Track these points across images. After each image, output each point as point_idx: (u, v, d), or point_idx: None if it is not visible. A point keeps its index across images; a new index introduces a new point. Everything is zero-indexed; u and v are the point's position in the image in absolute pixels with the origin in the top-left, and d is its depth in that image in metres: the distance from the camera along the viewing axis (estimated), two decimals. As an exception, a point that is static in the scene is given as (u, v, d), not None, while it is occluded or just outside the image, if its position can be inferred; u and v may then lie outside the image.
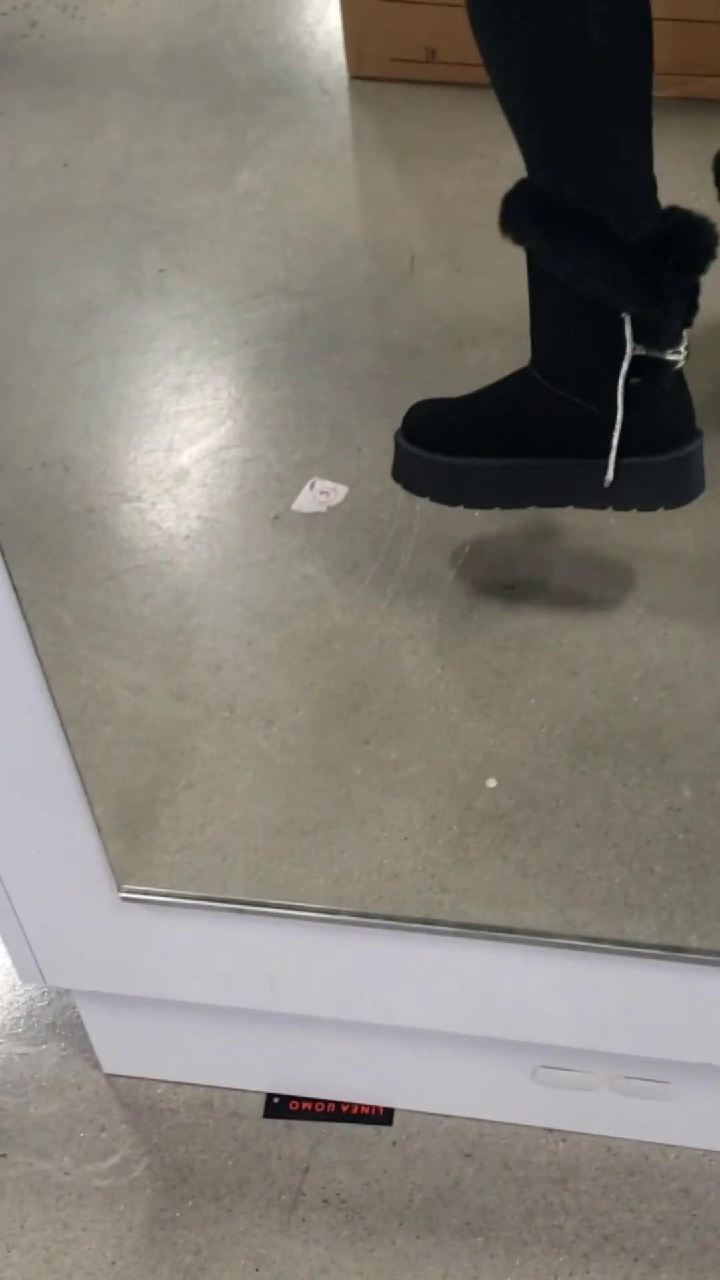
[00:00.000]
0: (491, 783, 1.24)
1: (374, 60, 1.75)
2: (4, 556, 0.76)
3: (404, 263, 1.61)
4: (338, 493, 1.44)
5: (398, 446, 1.34)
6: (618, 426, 1.23)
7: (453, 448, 1.30)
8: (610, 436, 1.23)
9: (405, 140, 1.72)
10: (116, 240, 1.64)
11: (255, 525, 1.43)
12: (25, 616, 0.79)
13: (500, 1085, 1.06)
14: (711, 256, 1.20)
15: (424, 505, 1.43)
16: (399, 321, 1.57)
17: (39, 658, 0.79)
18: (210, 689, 1.34)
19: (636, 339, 1.19)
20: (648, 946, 0.99)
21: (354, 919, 0.93)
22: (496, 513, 1.40)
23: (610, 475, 1.24)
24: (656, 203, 1.22)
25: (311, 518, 1.43)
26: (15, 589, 0.77)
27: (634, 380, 1.21)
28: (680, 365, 1.23)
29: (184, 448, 1.50)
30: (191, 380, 1.54)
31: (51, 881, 0.92)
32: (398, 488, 1.44)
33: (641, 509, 1.29)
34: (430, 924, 0.96)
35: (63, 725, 0.82)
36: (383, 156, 1.72)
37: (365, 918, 0.95)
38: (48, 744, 0.82)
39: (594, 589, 1.35)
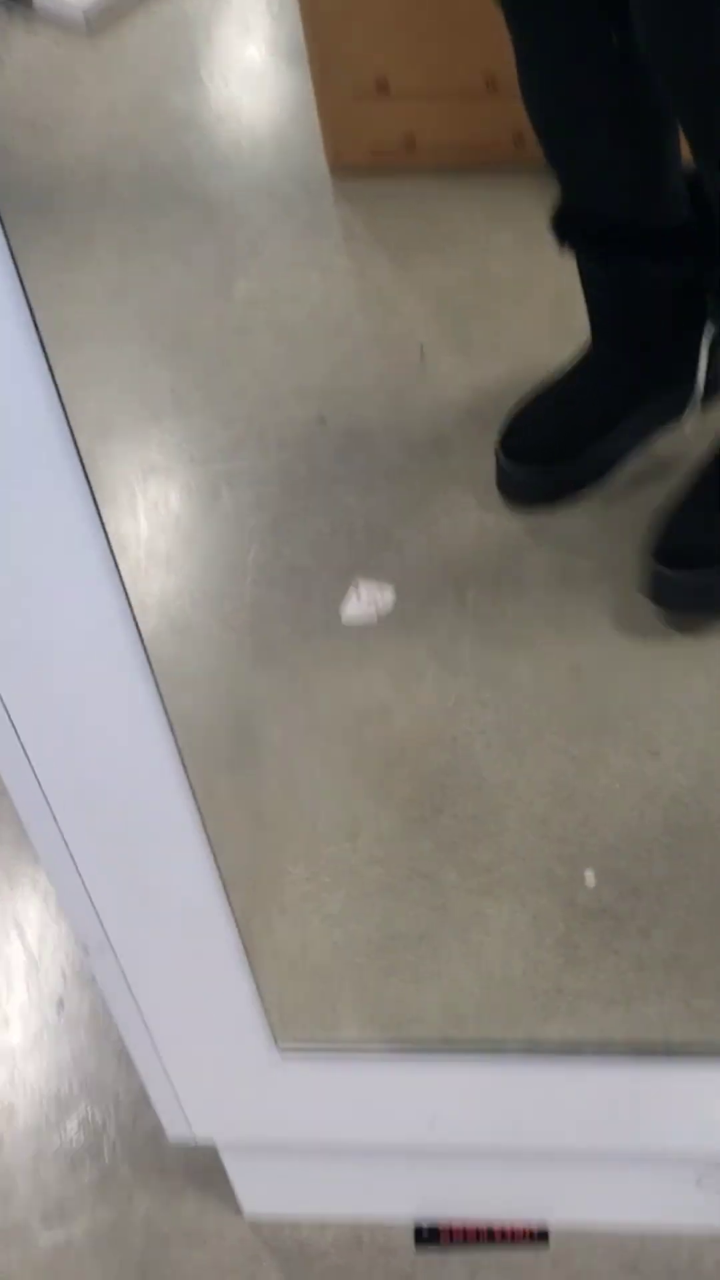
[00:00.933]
0: (590, 877, 1.23)
1: (353, 152, 1.76)
2: (175, 738, 0.75)
3: (413, 355, 1.61)
4: (385, 596, 1.43)
5: (506, 472, 1.47)
6: (702, 364, 1.41)
7: (563, 453, 1.47)
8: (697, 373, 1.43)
9: (395, 232, 1.73)
10: (125, 361, 1.63)
11: (308, 638, 1.42)
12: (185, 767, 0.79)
13: (661, 1194, 1.04)
14: None
15: (474, 599, 1.43)
16: (417, 414, 1.57)
17: (203, 821, 0.78)
18: (288, 809, 1.32)
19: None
20: None
21: (518, 1050, 0.92)
22: (552, 604, 1.41)
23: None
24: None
25: (364, 625, 1.42)
26: (180, 752, 0.76)
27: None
28: None
29: (222, 565, 1.49)
30: (224, 496, 1.53)
31: (207, 1040, 0.91)
32: (446, 584, 1.44)
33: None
34: (598, 1045, 0.95)
35: (225, 888, 0.81)
36: (375, 251, 1.72)
37: (529, 1048, 0.94)
38: (211, 907, 0.81)
39: (663, 665, 1.35)
